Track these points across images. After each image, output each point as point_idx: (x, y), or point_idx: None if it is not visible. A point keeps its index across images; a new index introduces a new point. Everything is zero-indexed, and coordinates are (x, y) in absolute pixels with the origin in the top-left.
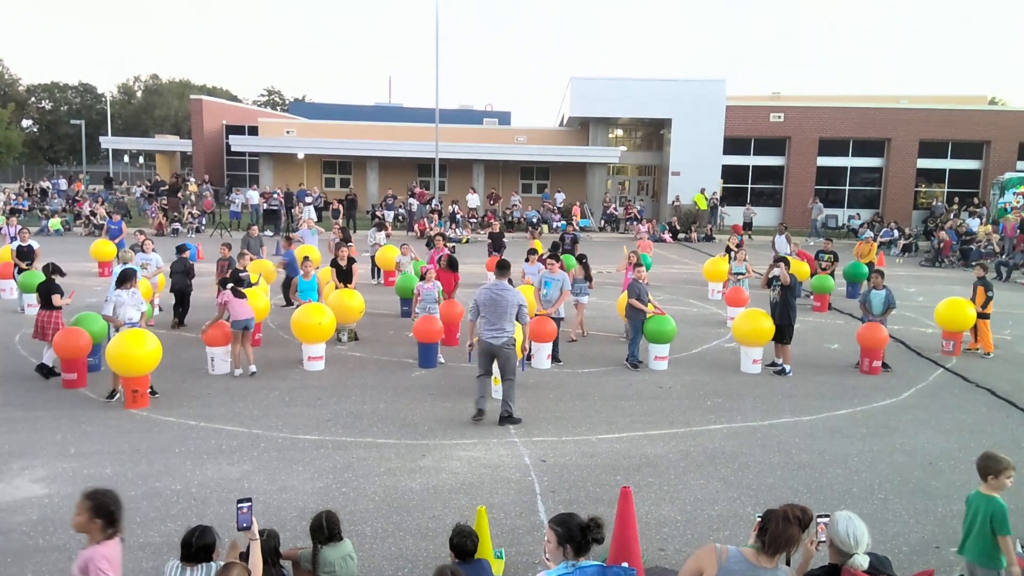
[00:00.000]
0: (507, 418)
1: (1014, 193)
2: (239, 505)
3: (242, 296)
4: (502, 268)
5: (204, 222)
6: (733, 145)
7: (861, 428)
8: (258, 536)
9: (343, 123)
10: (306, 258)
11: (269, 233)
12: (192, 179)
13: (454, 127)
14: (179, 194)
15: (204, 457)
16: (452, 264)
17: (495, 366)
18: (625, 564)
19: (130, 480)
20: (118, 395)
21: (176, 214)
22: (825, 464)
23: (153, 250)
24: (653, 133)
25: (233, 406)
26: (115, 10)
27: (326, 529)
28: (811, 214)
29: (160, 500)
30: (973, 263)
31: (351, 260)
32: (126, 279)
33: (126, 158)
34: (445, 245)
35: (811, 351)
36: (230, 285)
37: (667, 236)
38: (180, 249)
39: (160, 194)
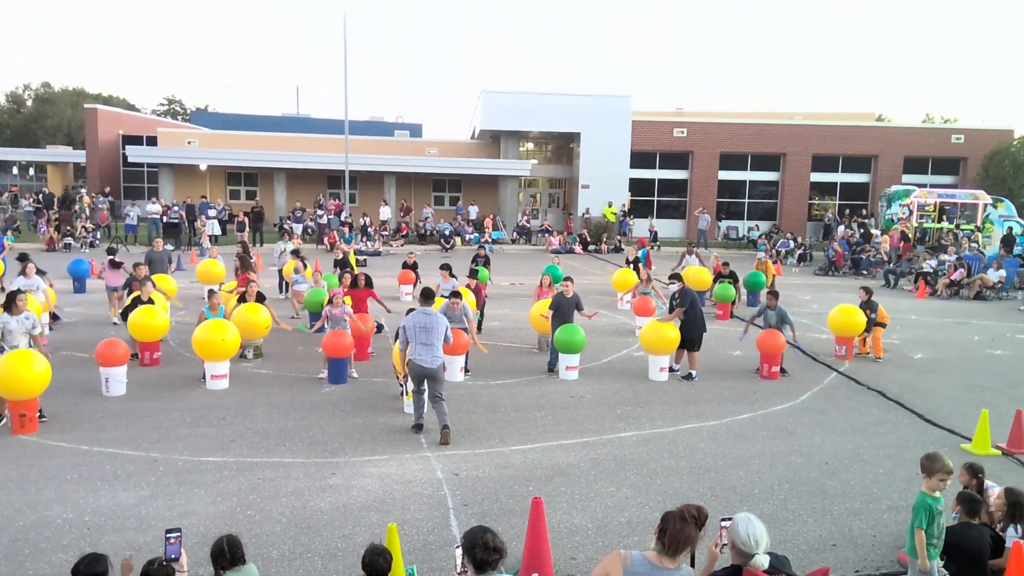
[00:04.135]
0: (447, 429)
1: (900, 205)
2: (168, 535)
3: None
4: (426, 297)
5: (99, 236)
6: (639, 159)
7: (762, 431)
8: (186, 568)
9: (248, 134)
10: (211, 291)
11: (171, 247)
12: (85, 191)
13: (364, 139)
14: (73, 207)
15: (98, 483)
16: (368, 283)
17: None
18: (536, 575)
19: (18, 509)
20: (4, 420)
21: (69, 228)
22: (728, 467)
23: (38, 272)
24: (563, 147)
25: (129, 429)
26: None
27: (228, 554)
28: (698, 224)
29: (51, 530)
30: (864, 271)
31: (260, 296)
32: (13, 303)
33: (15, 170)
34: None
35: (715, 358)
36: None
37: (577, 248)
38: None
39: (51, 207)
